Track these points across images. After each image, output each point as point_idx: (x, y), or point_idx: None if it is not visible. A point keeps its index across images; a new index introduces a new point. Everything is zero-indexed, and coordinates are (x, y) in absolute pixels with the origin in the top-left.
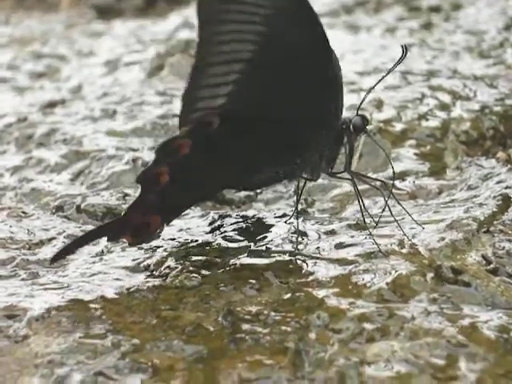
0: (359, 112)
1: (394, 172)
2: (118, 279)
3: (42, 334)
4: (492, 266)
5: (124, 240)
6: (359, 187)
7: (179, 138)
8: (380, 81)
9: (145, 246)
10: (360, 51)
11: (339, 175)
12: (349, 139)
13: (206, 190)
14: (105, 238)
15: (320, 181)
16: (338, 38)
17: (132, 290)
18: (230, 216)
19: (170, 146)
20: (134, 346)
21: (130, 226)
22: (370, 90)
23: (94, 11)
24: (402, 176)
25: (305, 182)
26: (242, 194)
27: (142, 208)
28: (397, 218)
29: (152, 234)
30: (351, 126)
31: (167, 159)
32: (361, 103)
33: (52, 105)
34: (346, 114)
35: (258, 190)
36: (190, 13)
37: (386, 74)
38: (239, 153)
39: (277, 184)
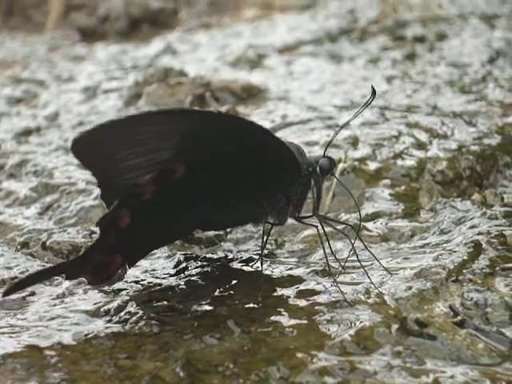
0: (326, 153)
1: (360, 216)
2: (76, 324)
3: None
4: (459, 317)
5: (83, 279)
6: (329, 229)
7: (142, 185)
8: (347, 123)
9: (107, 288)
10: (341, 82)
11: (306, 220)
12: (316, 182)
13: (169, 232)
14: (66, 281)
15: (291, 221)
16: (320, 68)
17: (90, 336)
18: (195, 258)
19: (132, 192)
20: None
21: (89, 264)
22: (336, 133)
23: (78, 33)
24: (375, 217)
25: (271, 227)
26: (211, 233)
27: (103, 248)
28: (366, 264)
29: (112, 273)
30: (318, 169)
31: (128, 203)
32: (328, 144)
33: (27, 133)
34: (318, 151)
35: (228, 230)
36: (173, 37)
37: (353, 117)
38: (204, 198)
39: (241, 226)
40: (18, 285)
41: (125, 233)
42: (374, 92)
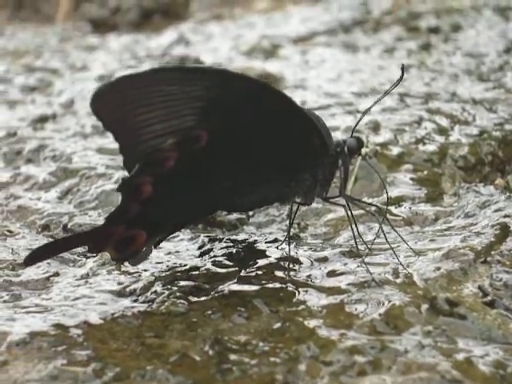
0: (354, 134)
1: (388, 197)
2: (102, 303)
3: (22, 359)
4: (489, 298)
5: (106, 253)
6: (353, 212)
7: (165, 150)
8: (376, 102)
9: (131, 269)
10: (357, 71)
11: (333, 200)
12: (344, 162)
13: (193, 209)
14: (90, 261)
15: (314, 205)
16: (335, 58)
17: (116, 315)
18: (220, 240)
19: (154, 157)
20: (117, 375)
21: (113, 238)
22: (365, 112)
23: (90, 24)
24: (398, 201)
25: (298, 207)
26: (234, 216)
27: (125, 218)
28: (392, 246)
29: (137, 251)
30: (346, 149)
31: (151, 170)
32: (356, 125)
33: (43, 120)
34: (341, 136)
35: (250, 213)
36: (186, 28)
37: (383, 96)
38: (228, 173)
39: (268, 206)
40: (39, 252)
41: (147, 204)
42: (403, 71)
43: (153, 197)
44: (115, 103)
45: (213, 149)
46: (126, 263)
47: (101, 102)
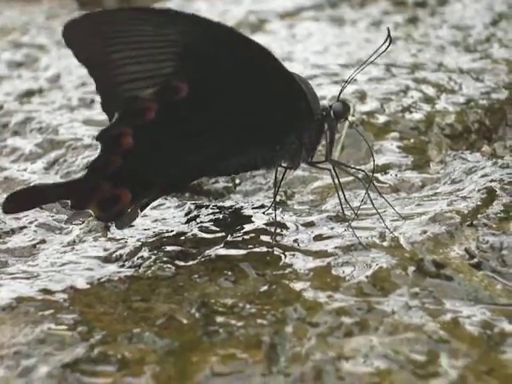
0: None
1: (374, 162)
2: (88, 269)
3: (9, 324)
4: (475, 260)
5: (89, 211)
6: (341, 179)
7: (144, 100)
8: (363, 67)
9: (118, 235)
10: (344, 44)
11: (319, 165)
12: (330, 126)
13: (176, 169)
14: (77, 228)
15: (300, 172)
16: (322, 32)
17: (103, 280)
18: (206, 207)
19: (134, 106)
20: (104, 338)
21: (97, 194)
22: (351, 78)
23: (76, 2)
24: (385, 169)
25: (284, 172)
26: (220, 185)
27: (108, 172)
28: (378, 211)
29: (122, 211)
30: (332, 113)
31: (131, 120)
32: (341, 90)
33: (29, 94)
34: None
35: (237, 181)
36: (172, 5)
37: (369, 61)
38: (211, 130)
39: (254, 170)
40: (17, 196)
41: (129, 157)
42: (389, 36)
43: (134, 150)
44: (88, 35)
45: (194, 102)
46: (112, 229)
47: (73, 32)
